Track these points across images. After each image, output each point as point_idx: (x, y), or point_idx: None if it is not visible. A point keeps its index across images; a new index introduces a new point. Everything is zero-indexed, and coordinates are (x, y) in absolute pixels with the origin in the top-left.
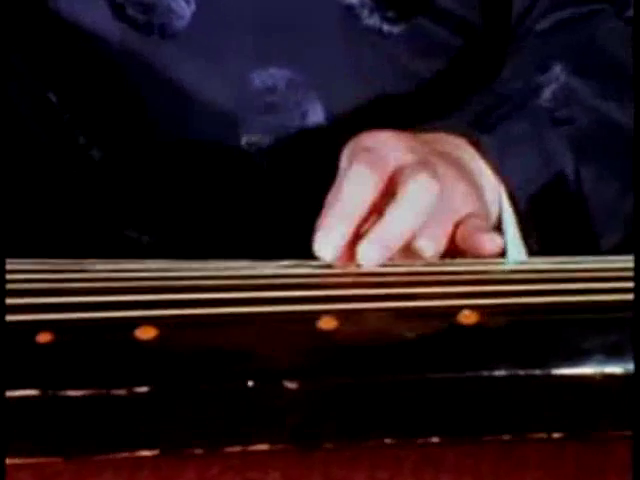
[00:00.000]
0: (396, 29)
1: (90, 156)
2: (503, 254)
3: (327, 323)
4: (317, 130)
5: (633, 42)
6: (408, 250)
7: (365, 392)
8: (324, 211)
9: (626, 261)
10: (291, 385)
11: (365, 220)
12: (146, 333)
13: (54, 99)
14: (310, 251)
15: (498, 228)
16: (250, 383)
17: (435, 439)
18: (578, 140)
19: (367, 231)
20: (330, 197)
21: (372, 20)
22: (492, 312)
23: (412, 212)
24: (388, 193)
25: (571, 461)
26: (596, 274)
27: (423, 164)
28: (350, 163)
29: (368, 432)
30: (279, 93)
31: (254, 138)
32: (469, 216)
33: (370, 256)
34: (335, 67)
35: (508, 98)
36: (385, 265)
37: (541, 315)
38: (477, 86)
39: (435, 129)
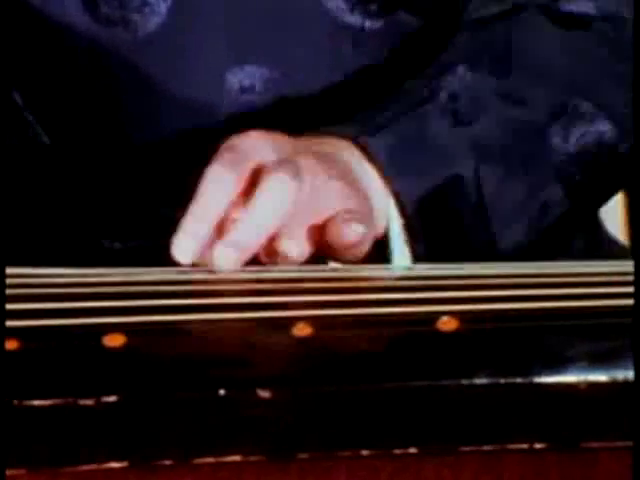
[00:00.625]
0: (377, 24)
1: (59, 159)
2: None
3: (302, 330)
4: (297, 129)
5: (633, 41)
6: (273, 252)
7: (341, 401)
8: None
9: (612, 266)
10: (264, 394)
11: (228, 220)
12: (114, 341)
13: (18, 99)
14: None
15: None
16: (222, 392)
17: (413, 450)
18: (479, 141)
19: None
20: (192, 198)
21: (353, 17)
22: (472, 318)
23: (267, 211)
24: (249, 193)
25: (554, 473)
26: (580, 279)
27: (285, 162)
28: (212, 162)
29: (344, 443)
30: (256, 92)
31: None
32: (339, 212)
33: (225, 259)
34: (315, 66)
35: (405, 96)
36: (360, 270)
37: (523, 321)
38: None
39: (323, 133)
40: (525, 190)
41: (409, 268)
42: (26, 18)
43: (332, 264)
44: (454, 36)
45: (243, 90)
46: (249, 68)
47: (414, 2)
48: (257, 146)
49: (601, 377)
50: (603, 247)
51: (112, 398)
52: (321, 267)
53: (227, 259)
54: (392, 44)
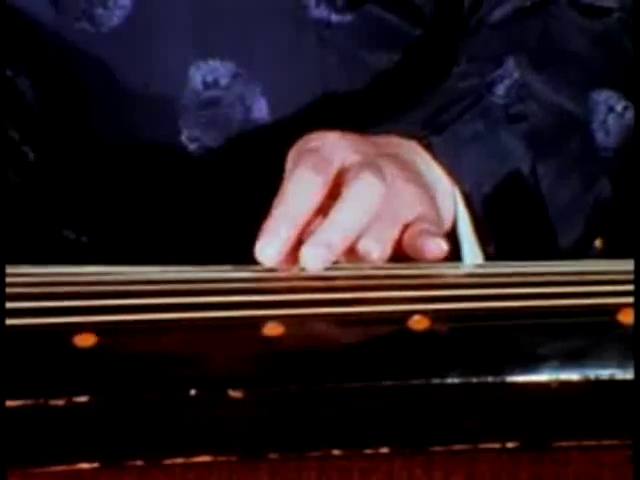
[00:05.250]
0: (346, 18)
1: (24, 153)
2: (456, 258)
3: (272, 329)
4: (261, 126)
5: (632, 40)
6: (353, 252)
7: (312, 401)
8: (269, 213)
9: (584, 265)
10: (235, 394)
11: (310, 223)
12: (85, 340)
13: None
14: (252, 253)
15: (454, 232)
16: (193, 392)
17: (384, 450)
18: (534, 137)
19: (310, 234)
20: (275, 200)
21: (319, 11)
22: (443, 318)
23: (356, 212)
24: (333, 195)
25: (525, 472)
26: (551, 278)
27: (368, 164)
28: (295, 165)
29: (315, 443)
30: (221, 87)
31: (195, 133)
32: (418, 219)
33: (313, 259)
34: (281, 61)
35: (461, 96)
36: (332, 269)
37: (494, 321)
38: (429, 82)
39: (386, 132)
40: (579, 185)
41: (381, 267)
42: None
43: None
44: (473, 35)
45: (206, 85)
46: (213, 63)
47: None
48: (339, 148)
49: (573, 376)
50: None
51: (83, 398)
52: (291, 267)
53: (316, 259)
54: (363, 38)
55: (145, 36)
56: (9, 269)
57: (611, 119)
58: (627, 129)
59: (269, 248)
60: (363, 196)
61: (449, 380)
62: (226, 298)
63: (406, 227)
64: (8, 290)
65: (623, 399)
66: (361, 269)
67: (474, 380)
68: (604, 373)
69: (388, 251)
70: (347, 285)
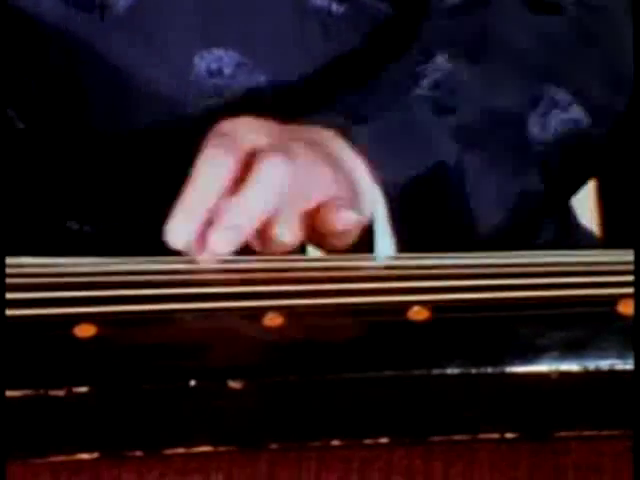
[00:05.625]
0: (342, 8)
1: (29, 142)
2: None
3: (273, 320)
4: (265, 115)
5: (633, 41)
6: (267, 238)
7: (312, 391)
8: (178, 196)
9: (582, 255)
10: (235, 384)
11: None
12: (85, 331)
13: None
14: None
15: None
16: (192, 382)
17: (384, 440)
18: (462, 129)
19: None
20: (186, 181)
21: (320, 0)
22: (443, 308)
23: (263, 194)
24: (243, 177)
25: (525, 462)
26: (551, 269)
27: (278, 146)
28: (205, 146)
29: (315, 433)
30: (225, 76)
31: (199, 122)
32: (331, 199)
33: (221, 243)
34: (284, 50)
35: (386, 87)
36: (333, 259)
37: (494, 311)
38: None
39: (307, 121)
40: (505, 177)
41: (381, 258)
42: None
43: (312, 252)
44: (426, 22)
45: (211, 74)
46: (217, 52)
47: None
48: (249, 130)
49: (572, 367)
50: (572, 234)
51: (83, 389)
52: (293, 257)
53: (224, 243)
54: (358, 29)
55: (149, 25)
56: (9, 260)
57: (553, 115)
58: (572, 123)
59: (179, 230)
60: (271, 177)
61: (449, 370)
62: (227, 288)
63: (320, 208)
64: (8, 281)
65: (623, 390)
66: (363, 260)
67: (474, 371)
68: (604, 364)
69: (300, 235)
70: (347, 276)
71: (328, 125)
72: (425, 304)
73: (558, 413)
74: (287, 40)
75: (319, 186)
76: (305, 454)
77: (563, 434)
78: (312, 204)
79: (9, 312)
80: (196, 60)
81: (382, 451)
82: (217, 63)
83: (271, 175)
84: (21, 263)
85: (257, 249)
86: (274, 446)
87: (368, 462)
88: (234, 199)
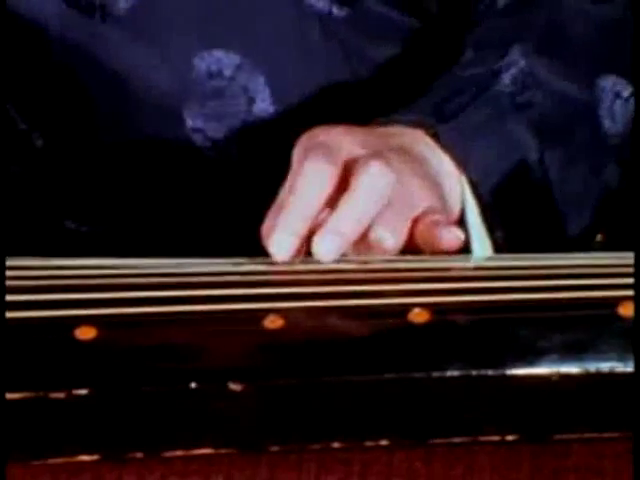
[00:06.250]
0: (343, 12)
1: (31, 143)
2: (466, 249)
3: (273, 322)
4: (265, 117)
5: (633, 40)
6: (365, 243)
7: (312, 394)
8: (277, 208)
9: (585, 257)
10: (235, 387)
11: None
12: (85, 333)
13: None
14: (255, 245)
15: (461, 223)
16: (193, 385)
17: (384, 442)
18: (541, 124)
19: (321, 224)
20: (283, 193)
21: (321, 3)
22: (444, 310)
23: (366, 202)
24: (342, 188)
25: (526, 465)
26: (551, 271)
27: (376, 156)
28: (303, 158)
29: (315, 435)
30: (225, 78)
31: (199, 124)
32: (427, 211)
33: (326, 250)
34: (284, 52)
35: (467, 85)
36: (334, 261)
37: (495, 313)
38: (437, 72)
39: (392, 122)
40: (588, 172)
41: (380, 261)
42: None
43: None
44: (479, 24)
45: (211, 75)
46: (217, 53)
47: None
48: (345, 141)
49: (573, 369)
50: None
51: (83, 391)
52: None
53: (329, 248)
54: (361, 32)
55: (149, 26)
56: (9, 262)
57: (617, 105)
58: (632, 116)
59: (283, 242)
60: (373, 185)
61: (449, 373)
62: (227, 291)
63: (415, 220)
64: (8, 283)
65: (623, 392)
66: (361, 262)
67: (474, 373)
68: (604, 366)
69: (402, 241)
70: (348, 278)
71: (414, 124)
72: (426, 306)
73: (559, 415)
74: (287, 42)
75: (414, 196)
76: (305, 456)
77: (564, 436)
78: (411, 212)
79: (9, 314)
80: (196, 61)
81: (382, 453)
82: (217, 64)
83: (374, 183)
84: (21, 265)
85: (356, 254)
86: (274, 448)
87: (368, 464)
88: (339, 206)
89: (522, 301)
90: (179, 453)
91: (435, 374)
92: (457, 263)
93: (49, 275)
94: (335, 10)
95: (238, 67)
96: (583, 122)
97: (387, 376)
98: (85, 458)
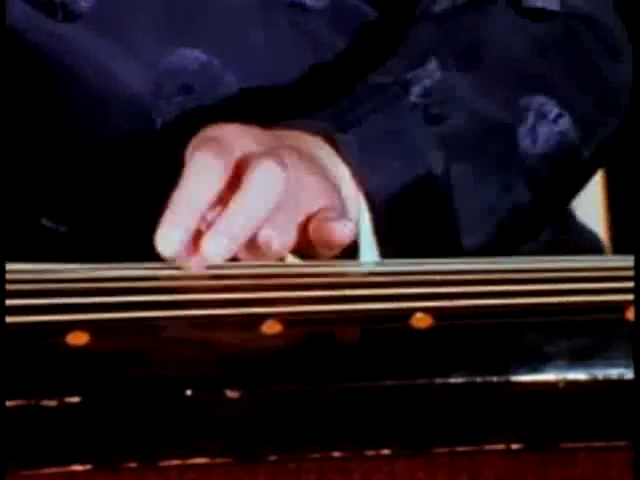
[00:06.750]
0: (319, 4)
1: (3, 143)
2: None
3: (271, 327)
4: (235, 114)
5: (633, 47)
6: (253, 245)
7: (312, 401)
8: (167, 204)
9: (592, 261)
10: (233, 394)
11: (210, 212)
12: (78, 339)
13: None
14: None
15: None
16: (189, 392)
17: (386, 451)
18: (450, 139)
19: (211, 223)
20: (176, 186)
21: None
22: (447, 315)
23: (257, 200)
24: (232, 187)
25: (531, 474)
26: (558, 275)
27: (269, 153)
28: (194, 151)
29: (315, 444)
30: (193, 75)
31: (169, 122)
32: (322, 209)
33: (215, 250)
34: (254, 48)
35: (372, 93)
36: (330, 266)
37: (500, 318)
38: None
39: (293, 127)
40: (495, 192)
41: (379, 264)
42: None
43: (291, 259)
44: (415, 27)
45: (179, 73)
46: (184, 51)
47: None
48: (238, 137)
49: (580, 375)
50: (573, 236)
51: (75, 399)
52: (289, 263)
53: (218, 249)
54: (336, 27)
55: (112, 25)
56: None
57: (541, 125)
58: (559, 136)
59: (169, 238)
60: (264, 184)
61: (452, 379)
62: (224, 295)
63: (310, 218)
64: None
65: (632, 399)
66: (360, 266)
67: (478, 379)
68: (612, 372)
69: (290, 241)
70: (347, 282)
71: (313, 130)
72: (428, 311)
73: (565, 423)
74: (257, 37)
75: (309, 194)
76: (305, 466)
77: (570, 445)
78: (302, 213)
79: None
80: (162, 59)
81: (384, 463)
82: (185, 62)
83: (266, 181)
84: (12, 269)
85: (242, 257)
86: (273, 457)
87: (369, 474)
88: (229, 205)
89: (528, 305)
90: (175, 462)
91: (438, 381)
92: (453, 266)
93: (39, 279)
94: (309, 2)
95: (207, 64)
96: (497, 140)
97: (388, 383)
98: (78, 468)
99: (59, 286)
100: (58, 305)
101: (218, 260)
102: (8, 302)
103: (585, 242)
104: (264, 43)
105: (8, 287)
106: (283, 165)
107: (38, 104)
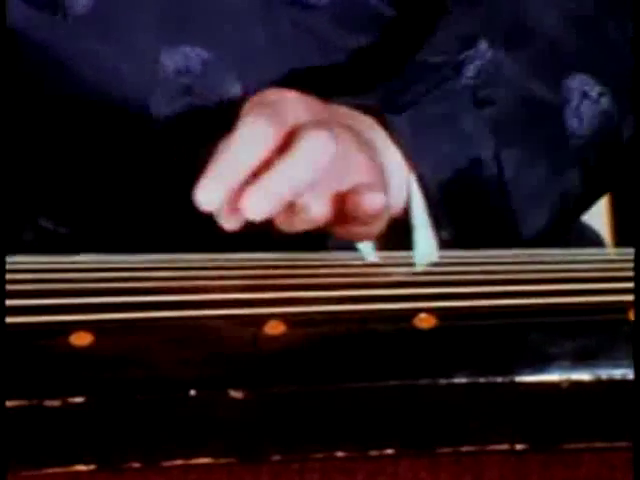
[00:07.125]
0: (322, 1)
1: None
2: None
3: (274, 328)
4: (236, 112)
5: (632, 41)
6: (291, 210)
7: (315, 401)
8: (212, 157)
9: (595, 262)
10: (236, 394)
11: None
12: (81, 339)
13: None
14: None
15: (406, 218)
16: (192, 392)
17: (389, 451)
18: (500, 122)
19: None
20: (221, 144)
21: None
22: (451, 315)
23: (304, 167)
24: (283, 151)
25: (535, 475)
26: (563, 275)
27: (322, 125)
28: (248, 114)
29: (318, 444)
30: (193, 74)
31: (169, 122)
32: (359, 185)
33: (255, 205)
34: (255, 45)
35: (425, 73)
36: (336, 266)
37: (503, 319)
38: (402, 61)
39: (345, 104)
40: (546, 175)
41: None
42: None
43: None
44: (462, 9)
45: (179, 72)
46: (184, 49)
47: None
48: (295, 106)
49: (584, 376)
50: (574, 235)
51: (79, 399)
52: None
53: (259, 205)
54: (341, 22)
55: (112, 24)
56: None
57: (585, 105)
58: (603, 116)
59: (211, 192)
60: (313, 152)
61: (456, 380)
62: (227, 296)
63: (350, 192)
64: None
65: (632, 399)
66: (362, 265)
67: (482, 380)
68: (616, 373)
69: (328, 212)
70: (350, 282)
71: (366, 111)
72: (431, 311)
73: (569, 424)
74: (258, 35)
75: (353, 171)
76: (308, 466)
77: (574, 446)
78: (344, 187)
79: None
80: (162, 58)
81: (387, 463)
82: (185, 61)
83: (315, 149)
84: (14, 268)
85: (278, 222)
86: (276, 458)
87: (373, 474)
88: (275, 165)
89: (531, 306)
90: (178, 463)
91: (441, 381)
92: (456, 267)
93: (43, 278)
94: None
95: (207, 62)
96: (546, 122)
97: (392, 383)
98: (81, 468)
99: (63, 286)
100: (62, 305)
101: (256, 217)
102: (11, 302)
103: (587, 241)
104: (265, 41)
105: (11, 287)
106: (333, 138)
107: (38, 104)
